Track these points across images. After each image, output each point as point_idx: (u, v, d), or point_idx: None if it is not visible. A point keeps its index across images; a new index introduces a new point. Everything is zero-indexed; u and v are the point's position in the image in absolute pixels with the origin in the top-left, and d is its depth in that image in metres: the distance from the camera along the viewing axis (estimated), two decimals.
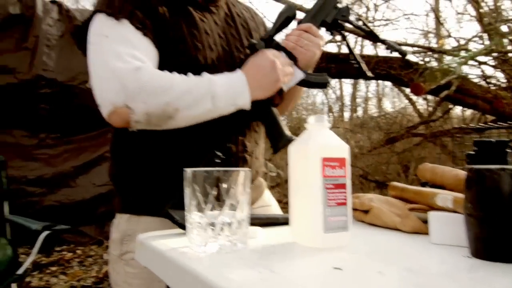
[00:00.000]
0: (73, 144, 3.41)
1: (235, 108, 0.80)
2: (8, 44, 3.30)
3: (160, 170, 0.86)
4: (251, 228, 0.56)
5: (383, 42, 0.95)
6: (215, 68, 0.86)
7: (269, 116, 0.87)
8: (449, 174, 0.64)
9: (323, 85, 0.92)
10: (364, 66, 0.97)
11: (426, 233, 0.59)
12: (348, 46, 0.97)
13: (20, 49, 3.31)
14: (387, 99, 10.31)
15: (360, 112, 10.28)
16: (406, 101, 7.23)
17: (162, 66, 0.82)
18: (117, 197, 0.94)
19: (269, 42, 0.89)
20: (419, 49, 4.93)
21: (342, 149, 0.54)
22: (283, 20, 0.89)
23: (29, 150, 3.30)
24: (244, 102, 0.80)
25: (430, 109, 6.58)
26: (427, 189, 0.64)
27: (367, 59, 4.58)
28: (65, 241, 3.18)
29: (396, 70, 4.77)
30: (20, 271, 1.56)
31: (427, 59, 5.23)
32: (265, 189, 1.04)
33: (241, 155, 0.91)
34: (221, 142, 0.85)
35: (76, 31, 0.86)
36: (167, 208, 0.70)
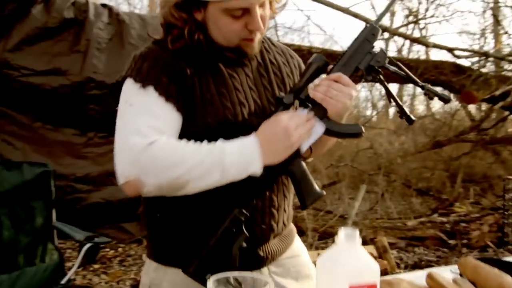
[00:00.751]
0: None
1: (247, 175, 0.80)
2: (62, 47, 3.46)
3: (188, 224, 0.88)
4: None
5: (423, 87, 0.89)
6: (247, 123, 0.86)
7: (297, 172, 0.85)
8: (493, 281, 0.58)
9: (355, 136, 0.89)
10: (406, 110, 0.92)
11: None
12: (387, 90, 0.91)
13: (73, 52, 3.47)
14: (437, 101, 9.82)
15: (406, 110, 9.85)
16: (457, 102, 6.85)
17: (192, 126, 0.84)
18: (148, 241, 0.96)
19: (297, 94, 0.87)
20: (472, 53, 4.63)
21: (372, 273, 0.51)
22: (313, 71, 0.86)
23: (78, 148, 3.47)
24: (255, 169, 0.80)
25: (483, 113, 6.19)
26: None
27: (415, 63, 4.37)
28: (108, 237, 3.34)
29: (447, 75, 4.52)
30: (64, 280, 1.65)
31: (481, 63, 4.91)
32: (294, 238, 1.02)
33: (267, 210, 0.90)
34: (247, 199, 0.84)
35: (112, 90, 0.89)
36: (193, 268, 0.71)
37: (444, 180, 5.34)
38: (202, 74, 0.86)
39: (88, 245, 1.66)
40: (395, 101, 0.91)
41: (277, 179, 0.89)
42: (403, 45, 7.94)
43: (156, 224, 0.92)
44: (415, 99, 9.72)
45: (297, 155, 0.85)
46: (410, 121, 0.94)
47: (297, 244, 1.03)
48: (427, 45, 4.07)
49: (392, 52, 8.87)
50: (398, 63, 0.91)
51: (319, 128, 0.86)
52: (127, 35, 3.65)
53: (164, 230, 0.91)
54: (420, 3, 7.15)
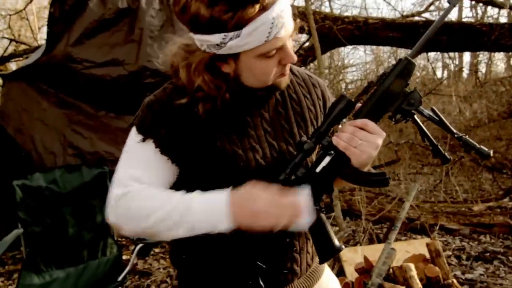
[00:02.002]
0: None
1: (216, 231, 0.78)
2: (118, 37, 3.60)
3: (211, 268, 0.90)
4: None
5: (459, 138, 0.80)
6: (261, 168, 0.84)
7: (314, 225, 0.82)
8: None
9: (380, 186, 0.84)
10: (441, 149, 0.83)
11: None
12: (421, 130, 0.83)
13: (128, 41, 3.59)
14: None
15: (483, 70, 8.90)
16: None
17: (202, 175, 0.84)
18: (178, 280, 1.01)
19: (320, 139, 0.82)
20: None
21: None
22: (337, 113, 0.81)
23: None
24: (224, 228, 0.77)
25: None
26: None
27: (488, 28, 3.88)
28: None
29: None
30: (120, 277, 1.81)
31: None
32: (322, 273, 1.00)
33: (289, 255, 0.89)
34: (266, 250, 0.84)
35: (164, 77, 0.94)
36: None
37: None
38: (209, 122, 0.84)
39: (140, 245, 1.77)
40: (430, 141, 0.83)
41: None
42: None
43: (183, 265, 0.95)
44: (493, 56, 8.70)
45: (316, 205, 0.82)
46: (446, 161, 0.86)
47: (326, 279, 1.01)
48: (502, 6, 3.58)
49: (466, 9, 7.96)
50: (433, 107, 0.82)
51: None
52: (178, 21, 3.68)
53: (190, 271, 0.94)
54: None
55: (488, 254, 2.80)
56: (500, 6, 3.44)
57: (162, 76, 3.89)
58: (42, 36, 6.98)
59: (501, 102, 5.80)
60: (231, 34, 0.74)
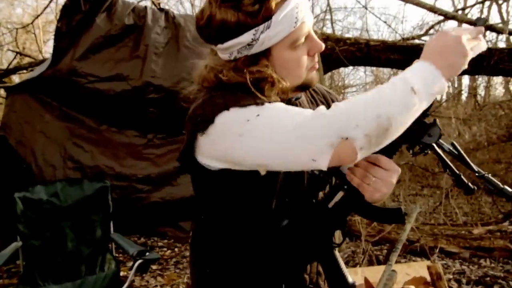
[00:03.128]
0: (176, 144, 3.70)
1: (433, 98, 0.70)
2: (124, 53, 3.65)
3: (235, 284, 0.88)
4: None
5: (482, 176, 0.77)
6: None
7: (328, 258, 0.82)
8: None
9: (396, 222, 0.82)
10: (463, 179, 0.80)
11: None
12: (442, 160, 0.80)
13: (133, 57, 3.65)
14: None
15: (482, 93, 8.98)
16: None
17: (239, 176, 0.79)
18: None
19: (331, 174, 0.81)
20: None
21: None
22: None
23: (139, 149, 3.68)
24: (441, 86, 0.69)
25: None
26: None
27: (487, 52, 3.95)
28: (166, 235, 3.54)
29: None
30: None
31: None
32: None
33: (314, 282, 0.89)
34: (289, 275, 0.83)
35: (168, 93, 0.90)
36: None
37: None
38: None
39: (139, 261, 1.76)
40: (452, 171, 0.80)
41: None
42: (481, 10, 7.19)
43: (205, 281, 0.93)
44: (492, 79, 8.81)
45: (330, 242, 0.82)
46: (469, 191, 0.81)
47: None
48: (501, 31, 3.65)
49: None
50: (454, 142, 0.80)
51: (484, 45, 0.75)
52: (183, 38, 3.74)
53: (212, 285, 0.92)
54: None
55: (488, 278, 2.77)
56: (499, 32, 3.50)
57: (165, 92, 3.95)
58: (47, 50, 7.07)
59: (500, 125, 5.83)
60: (261, 26, 0.74)
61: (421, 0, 3.62)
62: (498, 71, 4.11)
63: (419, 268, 2.30)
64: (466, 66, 0.71)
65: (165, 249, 3.20)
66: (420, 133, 0.76)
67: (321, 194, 0.87)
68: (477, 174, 0.78)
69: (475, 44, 0.72)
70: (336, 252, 0.83)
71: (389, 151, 0.77)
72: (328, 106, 0.91)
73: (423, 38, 5.81)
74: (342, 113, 0.67)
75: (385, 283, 1.91)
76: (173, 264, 2.92)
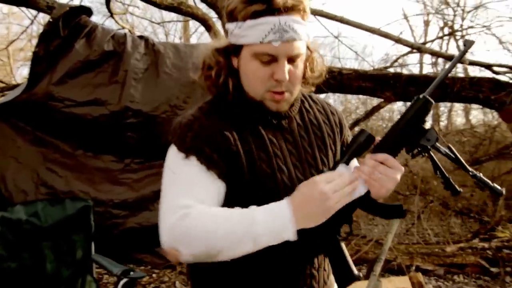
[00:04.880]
0: (154, 169, 3.68)
1: (281, 241, 0.79)
2: (102, 78, 3.66)
3: (230, 282, 0.91)
4: None
5: (474, 176, 0.86)
6: (287, 189, 0.88)
7: (335, 251, 0.86)
8: None
9: (398, 217, 0.88)
10: (452, 182, 0.89)
11: None
12: (434, 163, 0.89)
13: (112, 82, 3.66)
14: (477, 112, 9.39)
15: (444, 123, 9.50)
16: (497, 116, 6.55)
17: (234, 193, 0.88)
18: (192, 276, 1.01)
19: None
20: None
21: None
22: (357, 146, 0.86)
23: (115, 174, 3.63)
24: (289, 236, 0.78)
25: None
26: None
27: (451, 81, 4.25)
28: (143, 262, 3.44)
29: (485, 92, 4.35)
30: None
31: None
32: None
33: (308, 272, 0.92)
34: (288, 266, 0.87)
35: (147, 118, 0.98)
36: None
37: (485, 200, 5.09)
38: (245, 139, 0.89)
39: (124, 280, 1.73)
40: (442, 174, 0.88)
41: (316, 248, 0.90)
42: (437, 58, 7.72)
43: (201, 277, 0.96)
44: (453, 111, 9.37)
45: (336, 232, 0.87)
46: (456, 192, 0.90)
47: None
48: (463, 62, 3.95)
49: (427, 66, 8.66)
50: (449, 145, 0.88)
51: (361, 189, 0.83)
52: (162, 65, 3.80)
53: (208, 283, 0.95)
54: (455, 14, 6.98)
55: None
56: (461, 62, 3.79)
57: (144, 116, 3.98)
58: (18, 76, 6.94)
59: (464, 150, 6.14)
60: (239, 23, 0.85)
61: (388, 32, 3.88)
62: (460, 98, 4.40)
63: (399, 283, 2.37)
64: (326, 218, 0.79)
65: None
66: (418, 137, 0.86)
67: None
68: (470, 174, 0.87)
69: (347, 192, 0.80)
70: (343, 245, 0.87)
71: (393, 152, 0.85)
72: (331, 127, 1.01)
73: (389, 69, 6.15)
74: (187, 231, 0.79)
75: None
76: None
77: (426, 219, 4.55)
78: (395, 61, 6.23)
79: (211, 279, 0.94)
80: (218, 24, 3.94)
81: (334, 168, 0.87)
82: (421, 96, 0.87)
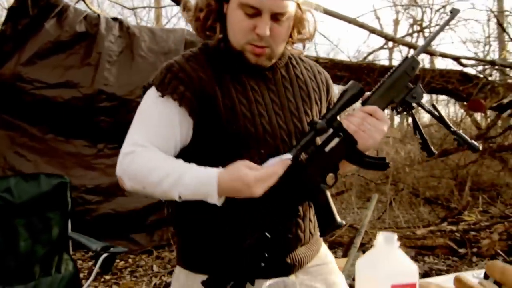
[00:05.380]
0: None
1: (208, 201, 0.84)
2: (74, 60, 3.54)
3: (216, 233, 0.90)
4: None
5: (454, 132, 0.89)
6: (267, 133, 0.90)
7: (319, 200, 0.87)
8: None
9: (381, 169, 0.90)
10: (428, 143, 0.92)
11: None
12: (415, 123, 0.92)
13: (84, 64, 3.54)
14: (441, 107, 9.78)
15: (410, 120, 9.85)
16: (462, 111, 6.85)
17: (214, 132, 0.89)
18: (177, 248, 0.99)
19: (331, 121, 0.87)
20: (479, 62, 4.66)
21: (411, 273, 0.54)
22: (348, 99, 0.86)
23: (88, 159, 3.52)
24: (214, 201, 0.83)
25: (489, 122, 6.18)
26: None
27: (422, 72, 4.40)
28: None
29: (454, 84, 4.54)
30: None
31: (487, 72, 4.93)
32: (321, 246, 1.04)
33: (294, 221, 0.92)
34: (273, 223, 0.86)
35: (122, 102, 0.99)
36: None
37: (452, 189, 5.31)
38: (224, 83, 0.90)
39: (104, 255, 1.68)
40: (421, 134, 0.91)
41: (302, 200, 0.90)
42: (408, 53, 7.98)
43: (186, 231, 0.95)
44: (419, 109, 9.72)
45: (322, 181, 0.87)
46: (431, 154, 0.93)
47: (324, 252, 1.05)
48: (433, 54, 4.10)
49: (396, 62, 8.93)
50: (434, 103, 0.91)
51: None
52: (137, 48, 3.71)
53: (193, 237, 0.94)
54: (424, 12, 7.24)
55: (433, 272, 2.99)
56: (432, 54, 3.93)
57: (119, 100, 3.89)
58: None
59: (432, 142, 6.38)
60: None
61: (363, 22, 3.95)
62: (430, 89, 4.56)
63: None
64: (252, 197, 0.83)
65: (118, 260, 3.03)
66: (405, 93, 0.88)
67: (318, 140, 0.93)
68: (452, 130, 0.90)
69: (270, 183, 0.83)
70: (328, 193, 0.89)
71: (380, 106, 0.88)
72: (317, 84, 1.01)
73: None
74: (127, 168, 0.87)
75: (351, 263, 1.99)
76: (128, 274, 2.78)
77: (397, 206, 4.70)
78: (369, 54, 6.36)
79: (195, 231, 0.93)
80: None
81: (324, 117, 0.87)
82: (409, 55, 0.89)
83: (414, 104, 0.89)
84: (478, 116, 6.84)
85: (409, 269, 0.54)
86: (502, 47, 6.09)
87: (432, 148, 0.93)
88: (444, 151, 6.01)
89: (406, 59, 0.89)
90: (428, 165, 6.37)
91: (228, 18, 0.91)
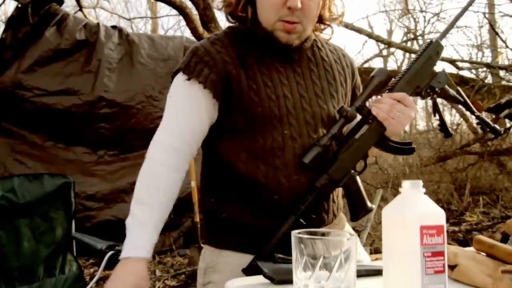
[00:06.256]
0: (129, 161, 3.58)
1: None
2: (74, 67, 3.55)
3: (240, 210, 0.91)
4: None
5: (478, 117, 0.91)
6: (290, 115, 0.90)
7: (351, 186, 0.88)
8: None
9: (408, 154, 0.92)
10: (446, 125, 0.94)
11: None
12: (435, 105, 0.93)
13: (84, 72, 3.55)
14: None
15: (407, 127, 9.93)
16: (459, 116, 6.92)
17: (238, 116, 0.89)
18: (204, 227, 1.02)
19: (360, 109, 0.88)
20: (475, 65, 4.72)
21: (439, 216, 0.54)
22: (375, 85, 0.87)
23: (88, 166, 3.50)
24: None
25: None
26: None
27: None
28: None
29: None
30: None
31: (482, 75, 4.99)
32: (344, 225, 1.03)
33: (321, 205, 0.92)
34: (305, 211, 0.87)
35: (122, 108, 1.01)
36: (255, 260, 0.73)
37: (452, 192, 5.32)
38: (248, 65, 0.91)
39: (110, 252, 1.65)
40: (440, 116, 0.93)
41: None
42: (402, 61, 8.09)
43: (211, 209, 0.96)
44: (416, 115, 9.81)
45: (353, 168, 0.88)
46: (448, 135, 0.96)
47: (348, 231, 1.04)
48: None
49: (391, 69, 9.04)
50: (458, 88, 0.92)
51: None
52: (137, 55, 3.73)
53: (218, 215, 0.94)
54: (417, 22, 7.36)
55: None
56: (477, 117, 3.97)
57: (119, 107, 3.87)
58: None
59: (429, 149, 6.43)
60: None
61: (360, 27, 4.01)
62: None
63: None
64: None
65: None
66: (430, 78, 0.89)
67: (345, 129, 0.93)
68: (475, 114, 0.92)
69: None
70: (358, 179, 0.89)
71: (407, 91, 0.88)
72: (342, 66, 1.02)
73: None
74: (144, 170, 0.92)
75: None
76: None
77: None
78: (365, 62, 6.44)
79: (220, 207, 0.93)
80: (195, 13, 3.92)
81: (352, 104, 0.88)
82: (433, 39, 0.90)
83: (437, 89, 0.90)
84: (474, 122, 6.93)
85: (437, 211, 0.54)
86: (495, 52, 6.18)
87: (450, 129, 0.95)
88: (442, 157, 6.05)
89: (430, 43, 0.90)
90: (427, 170, 6.39)
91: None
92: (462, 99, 0.91)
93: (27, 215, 1.84)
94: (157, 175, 0.89)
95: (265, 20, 0.90)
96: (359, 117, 0.92)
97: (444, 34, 0.95)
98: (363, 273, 0.71)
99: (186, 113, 0.91)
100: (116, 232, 3.41)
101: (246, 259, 0.85)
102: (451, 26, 0.97)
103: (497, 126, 0.93)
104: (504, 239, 0.74)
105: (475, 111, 0.92)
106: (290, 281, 0.62)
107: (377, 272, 0.66)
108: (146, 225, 0.86)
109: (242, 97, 0.89)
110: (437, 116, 0.95)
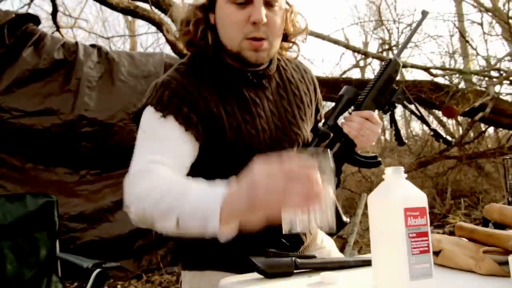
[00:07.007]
0: (112, 179, 3.52)
1: (207, 235, 0.67)
2: (53, 87, 3.51)
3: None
4: (329, 273, 0.58)
5: (432, 130, 0.98)
6: (268, 147, 0.90)
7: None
8: None
9: (375, 166, 0.97)
10: (401, 135, 0.99)
11: (502, 275, 0.59)
12: (393, 118, 0.97)
13: (64, 91, 3.51)
14: (416, 122, 10.11)
15: (387, 135, 10.13)
16: (436, 123, 7.10)
17: (219, 152, 0.87)
18: (179, 255, 1.00)
19: (333, 128, 0.92)
20: (448, 71, 4.89)
21: (421, 199, 0.57)
22: (345, 103, 0.92)
23: (71, 187, 3.43)
24: (213, 231, 0.65)
25: (461, 131, 6.43)
26: (501, 232, 0.64)
27: (396, 84, 4.57)
28: None
29: (426, 93, 4.73)
30: None
31: (456, 81, 5.17)
32: (317, 233, 1.05)
33: None
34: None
35: (134, 117, 0.91)
36: (249, 256, 0.74)
37: (434, 196, 5.43)
38: (226, 100, 0.88)
39: (97, 270, 1.63)
40: (396, 126, 0.98)
41: None
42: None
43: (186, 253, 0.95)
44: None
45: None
46: (402, 143, 1.00)
47: (321, 238, 1.06)
48: (405, 65, 4.29)
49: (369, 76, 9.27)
50: (415, 103, 0.97)
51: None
52: (117, 72, 3.72)
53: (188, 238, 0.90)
54: (391, 33, 7.59)
55: None
56: (403, 66, 4.11)
57: (100, 125, 3.84)
58: None
59: (409, 156, 6.57)
60: None
61: (337, 39, 4.11)
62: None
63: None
64: (253, 214, 0.63)
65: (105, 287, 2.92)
66: (391, 95, 0.94)
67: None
68: (430, 128, 0.99)
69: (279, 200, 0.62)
70: (333, 193, 0.91)
71: (373, 109, 0.94)
72: (306, 85, 1.03)
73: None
74: (134, 187, 0.75)
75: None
76: None
77: None
78: (343, 73, 6.55)
79: (194, 253, 0.93)
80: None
81: (324, 124, 0.91)
82: (392, 58, 0.94)
83: (396, 104, 0.95)
84: (451, 126, 7.13)
85: (419, 194, 0.57)
86: (465, 59, 6.42)
87: (403, 138, 1.00)
88: (422, 162, 6.18)
89: (389, 62, 0.94)
90: (409, 176, 6.48)
91: (218, 20, 0.88)
92: (419, 113, 0.97)
93: (9, 237, 1.80)
94: (152, 183, 0.74)
95: (230, 41, 0.87)
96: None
97: (400, 51, 1.01)
98: (352, 264, 0.73)
99: (170, 143, 0.81)
100: (101, 252, 3.37)
101: (228, 274, 0.81)
102: (405, 44, 1.05)
103: (448, 137, 1.00)
104: (484, 224, 0.78)
105: (430, 124, 1.00)
106: (282, 275, 0.63)
107: (366, 263, 0.68)
108: (200, 194, 0.68)
109: (223, 135, 0.86)
110: (393, 127, 1.01)
